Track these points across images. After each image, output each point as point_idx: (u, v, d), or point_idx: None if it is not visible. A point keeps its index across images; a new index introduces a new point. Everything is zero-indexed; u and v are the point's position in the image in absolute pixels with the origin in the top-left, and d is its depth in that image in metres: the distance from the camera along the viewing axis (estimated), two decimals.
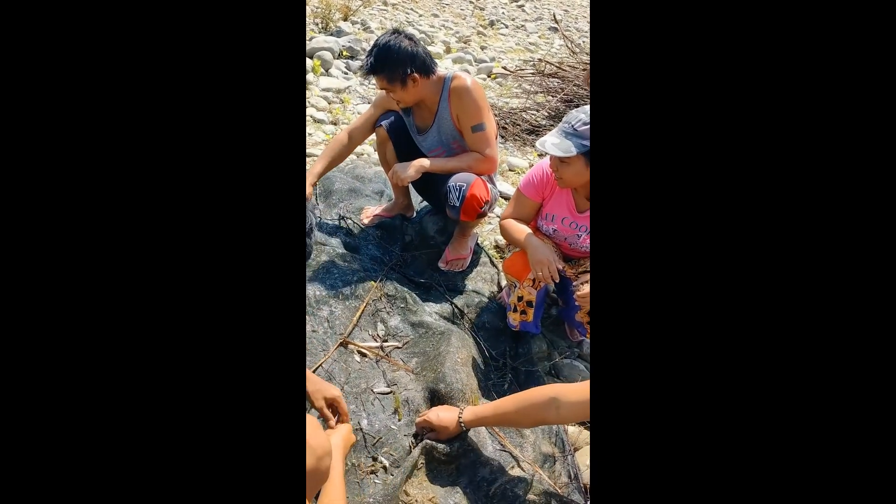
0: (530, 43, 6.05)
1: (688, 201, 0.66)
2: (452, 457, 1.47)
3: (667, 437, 0.64)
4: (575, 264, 1.85)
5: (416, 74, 1.82)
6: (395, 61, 1.78)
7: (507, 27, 6.56)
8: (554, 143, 1.55)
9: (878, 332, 0.59)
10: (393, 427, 1.49)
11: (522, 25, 6.77)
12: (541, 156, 3.48)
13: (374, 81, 1.91)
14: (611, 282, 0.68)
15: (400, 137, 2.05)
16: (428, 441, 1.45)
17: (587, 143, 1.51)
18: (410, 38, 1.84)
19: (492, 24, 6.54)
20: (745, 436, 0.62)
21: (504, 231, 1.84)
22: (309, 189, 1.94)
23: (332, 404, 1.31)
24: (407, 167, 1.89)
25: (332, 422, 1.31)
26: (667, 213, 0.66)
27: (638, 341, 0.66)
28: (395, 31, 1.84)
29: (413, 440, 1.49)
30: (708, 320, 0.64)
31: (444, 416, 1.47)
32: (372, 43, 1.82)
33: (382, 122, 2.05)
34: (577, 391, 1.26)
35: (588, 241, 1.78)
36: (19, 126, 0.59)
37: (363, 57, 1.84)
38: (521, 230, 1.76)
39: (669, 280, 0.66)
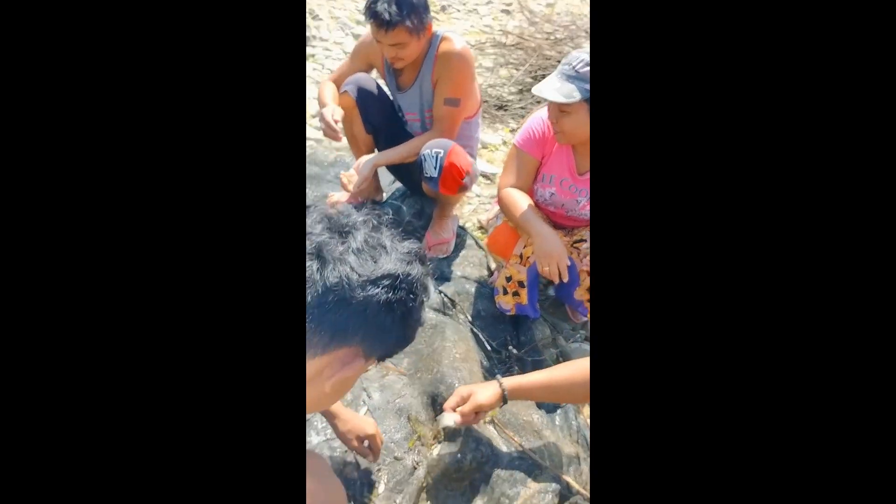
0: (485, 25, 5.89)
1: (701, 159, 0.54)
2: (463, 473, 1.22)
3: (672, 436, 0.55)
4: (569, 233, 1.63)
5: (430, 22, 1.58)
6: (417, 7, 1.51)
7: (458, 11, 6.39)
8: (554, 87, 1.31)
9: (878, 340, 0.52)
10: (391, 443, 1.23)
11: (475, 9, 6.61)
12: (513, 131, 3.27)
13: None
14: (614, 256, 0.57)
15: (368, 104, 1.77)
16: (436, 455, 1.20)
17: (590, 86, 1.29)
18: None
19: (443, 9, 6.35)
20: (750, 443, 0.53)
21: (504, 204, 1.56)
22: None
23: (368, 440, 1.13)
24: (355, 175, 1.70)
25: (371, 458, 1.15)
26: (680, 172, 0.55)
27: (643, 329, 0.55)
28: None
29: (442, 431, 1.28)
30: (720, 306, 0.53)
31: (487, 398, 1.13)
32: None
33: (346, 88, 1.77)
34: None
35: (587, 207, 1.55)
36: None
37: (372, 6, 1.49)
38: (526, 210, 1.48)
39: (679, 255, 0.55)
